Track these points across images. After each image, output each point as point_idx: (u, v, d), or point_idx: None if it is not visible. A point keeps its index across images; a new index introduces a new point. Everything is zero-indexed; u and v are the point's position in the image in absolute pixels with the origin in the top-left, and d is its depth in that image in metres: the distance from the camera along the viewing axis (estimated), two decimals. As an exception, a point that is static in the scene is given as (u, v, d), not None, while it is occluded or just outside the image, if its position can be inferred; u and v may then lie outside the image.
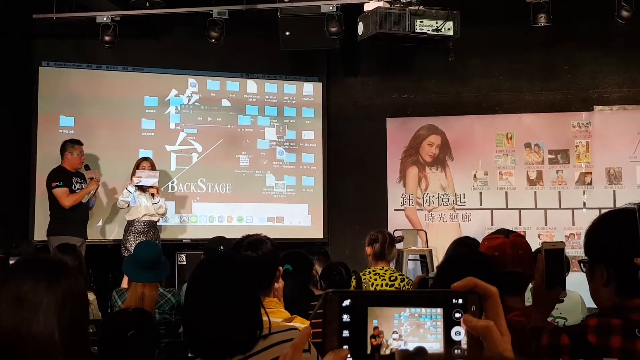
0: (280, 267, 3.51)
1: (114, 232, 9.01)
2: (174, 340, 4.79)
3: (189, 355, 3.72)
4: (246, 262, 3.00)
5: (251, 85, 9.76)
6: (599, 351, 2.07)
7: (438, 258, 8.56)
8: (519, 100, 9.69)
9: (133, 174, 8.44)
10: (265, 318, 2.57)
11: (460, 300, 0.94)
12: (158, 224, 8.72)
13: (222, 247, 5.70)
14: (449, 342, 0.93)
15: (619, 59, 9.41)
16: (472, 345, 0.93)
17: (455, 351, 0.93)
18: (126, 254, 8.17)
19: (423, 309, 0.94)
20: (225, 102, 9.64)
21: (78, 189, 8.27)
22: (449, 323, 0.93)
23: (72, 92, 9.08)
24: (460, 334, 0.93)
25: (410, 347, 0.93)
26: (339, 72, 10.16)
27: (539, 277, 2.52)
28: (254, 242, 3.42)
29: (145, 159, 8.62)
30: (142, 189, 8.38)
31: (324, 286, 4.98)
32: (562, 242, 2.60)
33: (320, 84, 10.01)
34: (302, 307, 4.34)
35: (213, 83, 9.63)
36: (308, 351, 2.57)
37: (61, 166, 8.33)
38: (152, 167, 8.55)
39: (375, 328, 0.93)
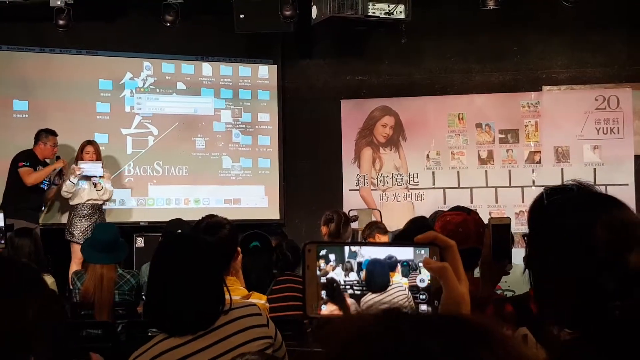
0: (239, 248, 3.59)
1: (59, 216, 8.97)
2: (134, 320, 4.88)
3: (149, 333, 3.82)
4: (207, 241, 3.09)
5: (206, 68, 9.76)
6: (541, 319, 2.20)
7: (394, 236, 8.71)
8: (470, 81, 9.86)
9: (77, 158, 8.42)
10: (226, 296, 2.68)
11: (422, 252, 1.06)
12: (107, 207, 8.77)
13: (179, 230, 5.76)
14: (414, 289, 1.06)
15: (567, 40, 9.63)
16: (435, 289, 1.05)
17: (420, 297, 1.05)
18: (69, 238, 8.20)
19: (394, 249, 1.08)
20: (180, 85, 9.63)
21: None
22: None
23: (25, 76, 9.00)
24: (424, 282, 1.06)
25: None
26: (293, 55, 10.21)
27: (486, 251, 2.65)
28: (211, 226, 3.49)
29: (90, 142, 8.55)
30: (85, 177, 8.37)
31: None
32: (507, 217, 2.74)
33: (275, 66, 10.05)
34: (266, 284, 4.47)
35: (168, 66, 9.61)
36: (266, 325, 2.68)
37: (32, 150, 8.31)
38: (97, 151, 8.51)
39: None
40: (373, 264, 1.04)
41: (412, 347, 0.70)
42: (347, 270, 1.04)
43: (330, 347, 0.76)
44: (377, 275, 1.04)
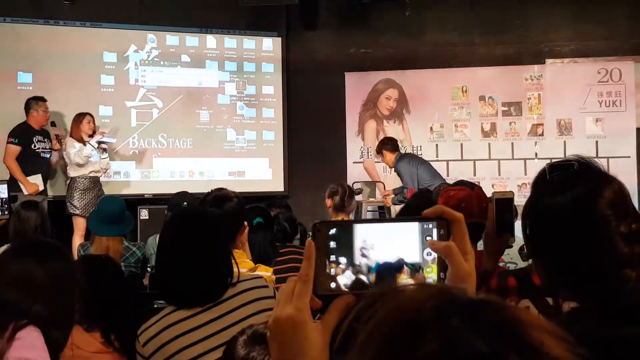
0: (245, 222, 3.63)
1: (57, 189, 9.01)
2: (140, 292, 4.93)
3: (155, 305, 3.87)
4: (215, 216, 3.13)
5: (210, 40, 9.76)
6: (543, 291, 2.25)
7: (396, 209, 8.76)
8: (474, 53, 9.85)
9: (75, 129, 8.40)
10: (235, 269, 2.73)
11: (430, 225, 1.10)
12: (112, 179, 8.84)
13: (185, 203, 5.79)
14: (422, 261, 1.10)
15: (570, 13, 9.60)
16: (441, 263, 1.09)
17: (427, 269, 1.10)
18: (73, 211, 8.21)
19: (402, 224, 1.11)
20: (184, 58, 9.63)
21: (39, 148, 8.20)
22: (422, 240, 1.10)
23: (30, 48, 8.98)
24: (431, 254, 1.10)
25: (392, 259, 1.09)
26: (297, 27, 10.19)
27: (489, 225, 2.69)
28: (218, 199, 3.52)
29: (87, 113, 8.54)
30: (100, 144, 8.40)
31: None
32: (511, 191, 2.77)
33: (280, 38, 10.03)
34: (270, 257, 4.52)
35: (172, 38, 9.60)
36: (273, 297, 2.74)
37: (26, 122, 8.27)
38: (94, 122, 8.58)
39: (364, 242, 1.09)
40: (382, 267, 1.09)
41: (461, 347, 0.71)
42: (357, 273, 1.09)
43: (372, 333, 0.77)
44: (385, 278, 1.09)
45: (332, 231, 1.09)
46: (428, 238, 1.10)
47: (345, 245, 1.09)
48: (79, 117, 8.44)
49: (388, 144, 8.70)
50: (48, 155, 8.40)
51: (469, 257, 1.08)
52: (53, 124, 8.50)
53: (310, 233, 1.11)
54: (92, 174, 8.36)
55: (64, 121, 8.88)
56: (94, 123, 8.49)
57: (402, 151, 9.00)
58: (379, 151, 8.77)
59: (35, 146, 8.21)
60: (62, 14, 9.05)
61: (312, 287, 1.06)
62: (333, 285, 1.08)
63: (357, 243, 1.09)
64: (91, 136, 8.39)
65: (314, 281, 1.07)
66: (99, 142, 8.38)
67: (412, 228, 1.10)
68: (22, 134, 8.17)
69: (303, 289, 1.05)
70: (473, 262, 1.09)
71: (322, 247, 1.08)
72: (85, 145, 8.32)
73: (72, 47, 9.13)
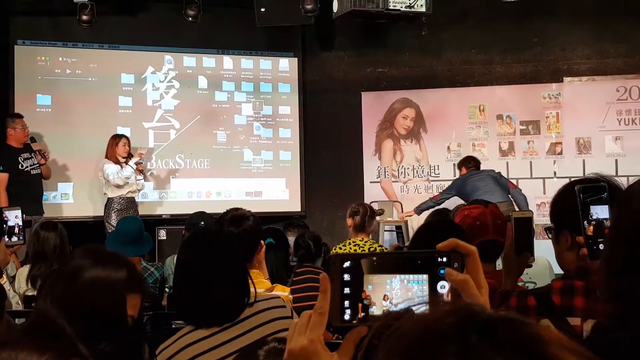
0: (262, 241, 3.63)
1: (89, 209, 9.09)
2: (159, 312, 4.92)
3: (173, 325, 3.86)
4: (232, 235, 3.13)
5: (227, 61, 9.81)
6: (563, 311, 2.22)
7: (413, 229, 8.72)
8: (491, 72, 9.84)
9: (111, 152, 8.45)
10: (252, 289, 2.73)
11: (444, 259, 1.09)
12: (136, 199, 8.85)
13: (202, 223, 5.79)
14: (434, 296, 1.09)
15: (588, 31, 9.57)
16: (454, 297, 1.08)
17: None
18: (110, 230, 8.20)
19: (411, 276, 1.09)
20: (201, 79, 9.70)
21: (27, 166, 8.06)
22: (434, 281, 1.09)
23: (48, 71, 9.09)
24: (444, 288, 1.09)
25: (400, 308, 1.08)
26: (314, 48, 10.24)
27: (508, 244, 2.67)
28: (236, 218, 3.53)
29: (122, 135, 8.66)
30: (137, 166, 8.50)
31: (295, 260, 5.14)
32: (530, 211, 2.76)
33: (296, 59, 10.08)
34: (283, 278, 4.53)
35: (189, 60, 9.67)
36: (291, 317, 2.73)
37: (6, 144, 8.09)
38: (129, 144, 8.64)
39: (363, 292, 1.09)
40: (406, 311, 1.09)
41: None
42: (370, 306, 1.09)
43: (393, 347, 0.77)
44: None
45: (347, 264, 1.09)
46: (442, 271, 1.09)
47: (360, 278, 1.09)
48: (115, 139, 8.51)
49: (463, 164, 8.58)
50: (38, 171, 8.24)
51: (483, 290, 1.08)
52: (32, 139, 8.34)
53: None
54: (129, 195, 8.43)
55: (80, 142, 8.94)
56: (129, 145, 8.55)
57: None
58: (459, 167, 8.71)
59: (22, 166, 8.06)
60: (80, 37, 9.12)
61: (327, 320, 1.07)
62: (347, 317, 1.08)
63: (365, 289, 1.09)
64: (126, 158, 8.45)
65: (328, 313, 1.07)
66: (137, 163, 8.43)
67: (422, 277, 1.10)
68: (5, 158, 8.03)
69: (318, 321, 1.06)
70: (487, 296, 1.08)
71: (336, 280, 1.08)
72: (122, 166, 8.37)
73: (91, 69, 9.23)
